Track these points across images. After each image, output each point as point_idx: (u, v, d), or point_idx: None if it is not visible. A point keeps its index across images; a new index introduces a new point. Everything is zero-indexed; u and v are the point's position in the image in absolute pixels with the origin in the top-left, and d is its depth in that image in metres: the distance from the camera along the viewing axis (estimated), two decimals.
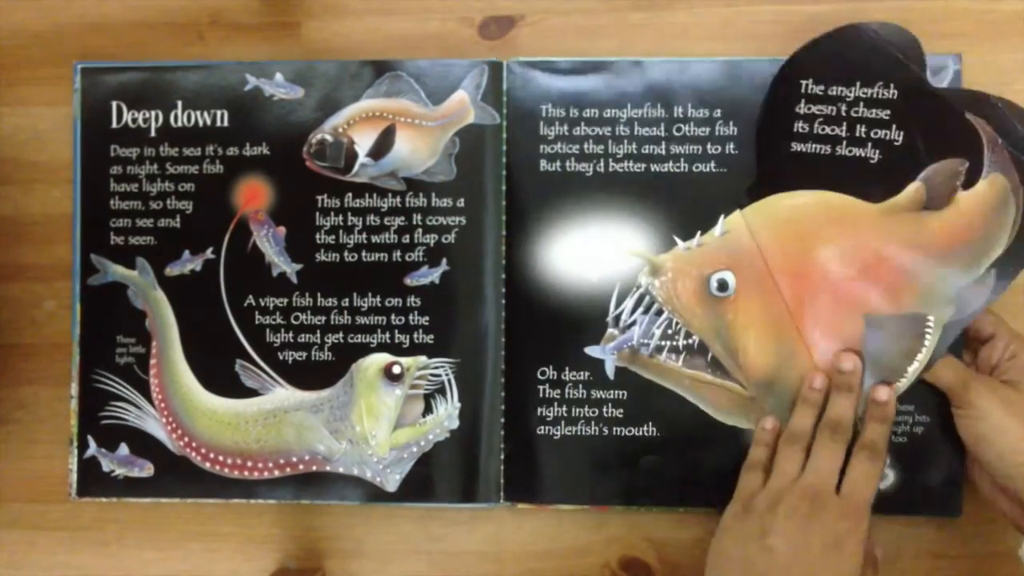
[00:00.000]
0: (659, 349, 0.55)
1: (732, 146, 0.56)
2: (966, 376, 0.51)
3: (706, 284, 0.54)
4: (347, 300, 0.58)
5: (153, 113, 0.59)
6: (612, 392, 0.56)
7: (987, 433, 0.50)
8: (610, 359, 0.56)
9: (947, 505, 0.55)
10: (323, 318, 0.58)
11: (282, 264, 0.58)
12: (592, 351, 0.56)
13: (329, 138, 0.57)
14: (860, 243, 0.53)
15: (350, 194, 0.58)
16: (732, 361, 0.54)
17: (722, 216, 0.55)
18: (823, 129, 0.54)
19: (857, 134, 0.53)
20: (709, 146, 0.56)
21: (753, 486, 0.51)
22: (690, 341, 0.55)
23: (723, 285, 0.54)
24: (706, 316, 0.54)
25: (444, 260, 0.57)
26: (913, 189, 0.53)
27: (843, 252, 0.53)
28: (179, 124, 0.59)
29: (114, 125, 0.59)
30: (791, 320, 0.54)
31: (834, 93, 0.53)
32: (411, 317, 0.57)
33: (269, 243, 0.58)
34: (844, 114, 0.53)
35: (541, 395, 0.56)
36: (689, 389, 0.55)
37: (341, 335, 0.58)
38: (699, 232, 0.55)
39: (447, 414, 0.57)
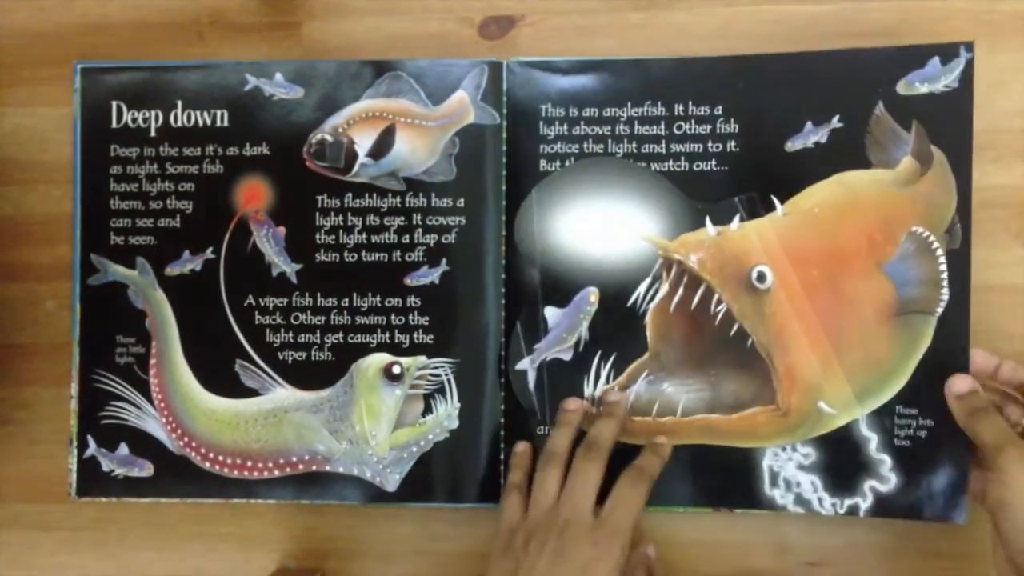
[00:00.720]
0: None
1: (733, 144, 0.56)
2: (1004, 438, 0.49)
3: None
4: (347, 300, 0.58)
5: (153, 113, 0.59)
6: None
7: (1011, 501, 0.47)
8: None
9: (952, 510, 0.53)
10: (323, 318, 0.58)
11: (282, 264, 0.58)
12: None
13: (329, 138, 0.57)
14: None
15: (350, 194, 0.58)
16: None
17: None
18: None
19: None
20: (710, 144, 0.56)
21: (513, 515, 0.52)
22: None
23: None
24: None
25: (444, 260, 0.57)
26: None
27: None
28: (179, 124, 0.59)
29: (114, 125, 0.59)
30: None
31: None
32: (411, 317, 0.57)
33: (269, 243, 0.58)
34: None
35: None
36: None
37: (341, 335, 0.58)
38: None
39: (447, 414, 0.57)
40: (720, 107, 0.56)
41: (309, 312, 0.58)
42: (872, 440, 0.54)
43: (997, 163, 0.57)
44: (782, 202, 0.55)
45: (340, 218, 0.57)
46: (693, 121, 0.56)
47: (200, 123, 0.58)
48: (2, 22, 0.61)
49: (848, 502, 0.54)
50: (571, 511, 0.50)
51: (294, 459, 0.57)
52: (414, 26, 0.59)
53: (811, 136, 0.55)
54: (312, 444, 0.57)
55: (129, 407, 0.58)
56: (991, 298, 0.56)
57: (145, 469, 0.58)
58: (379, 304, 0.57)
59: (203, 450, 0.58)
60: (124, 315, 0.58)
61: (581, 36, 0.59)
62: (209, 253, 0.58)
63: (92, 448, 0.58)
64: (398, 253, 0.57)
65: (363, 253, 0.57)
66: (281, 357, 0.58)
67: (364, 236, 0.57)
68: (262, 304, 0.58)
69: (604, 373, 0.56)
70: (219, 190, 0.58)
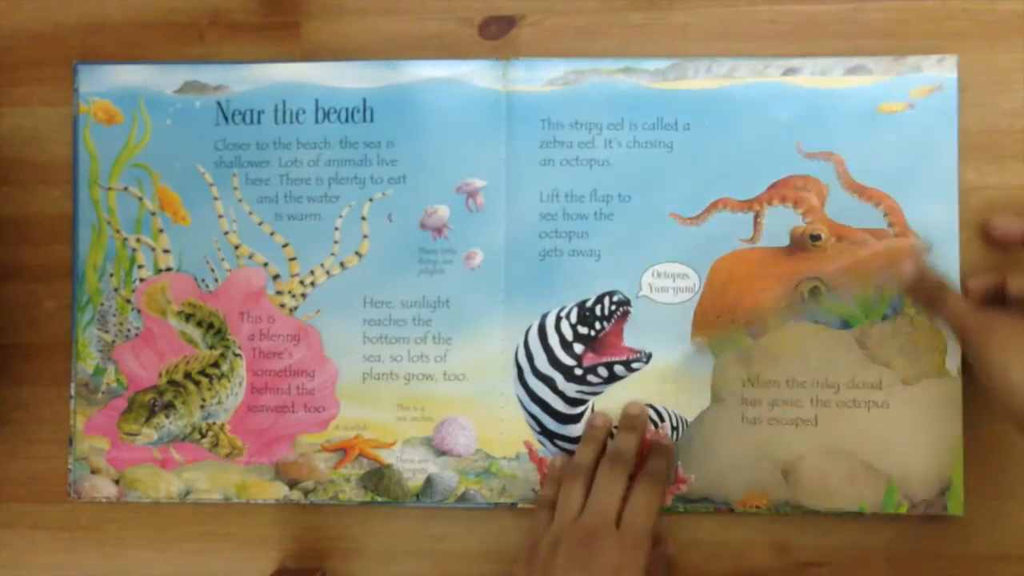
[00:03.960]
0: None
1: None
2: (960, 319, 0.51)
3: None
4: None
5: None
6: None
7: (987, 369, 0.49)
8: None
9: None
10: None
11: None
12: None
13: None
14: None
15: None
16: None
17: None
18: None
19: None
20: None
21: (540, 527, 0.52)
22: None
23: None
24: None
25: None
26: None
27: None
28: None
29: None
30: None
31: None
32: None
33: None
34: None
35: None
36: None
37: None
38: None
39: None
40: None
41: None
42: None
43: (997, 163, 0.57)
44: None
45: None
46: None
47: None
48: (2, 22, 0.61)
49: None
50: (595, 519, 0.50)
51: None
52: (414, 26, 0.59)
53: None
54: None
55: None
56: None
57: None
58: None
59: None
60: None
61: (581, 36, 0.59)
62: None
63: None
64: None
65: None
66: None
67: None
68: None
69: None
70: None
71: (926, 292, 0.53)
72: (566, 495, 0.52)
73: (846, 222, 0.56)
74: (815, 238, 0.56)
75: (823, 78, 0.56)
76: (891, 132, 0.56)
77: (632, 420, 0.55)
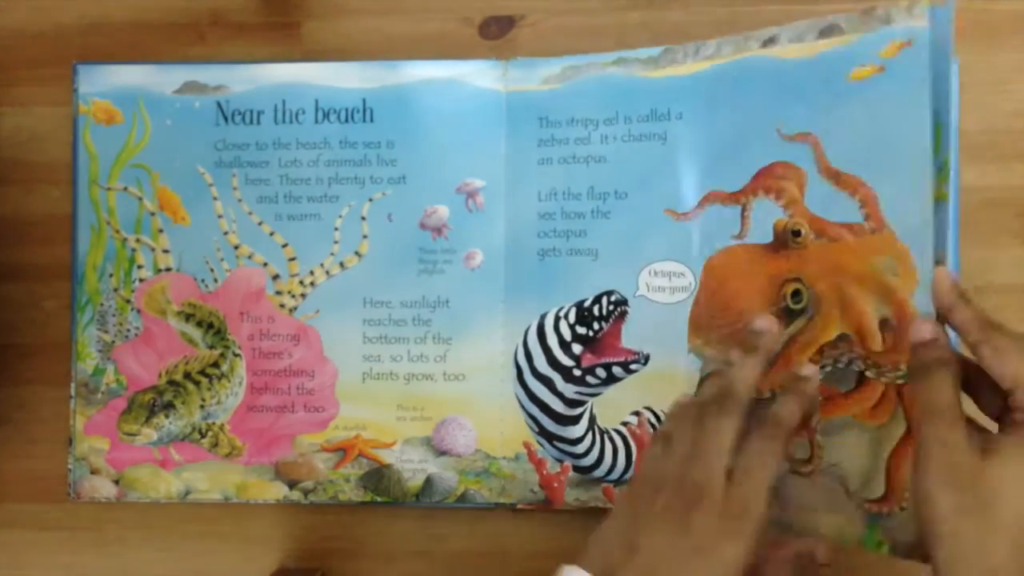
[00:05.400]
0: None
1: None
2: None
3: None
4: None
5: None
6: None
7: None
8: None
9: None
10: None
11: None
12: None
13: None
14: None
15: None
16: None
17: None
18: None
19: None
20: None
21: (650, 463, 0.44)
22: None
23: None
24: None
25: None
26: None
27: None
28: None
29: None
30: None
31: None
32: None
33: None
34: None
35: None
36: None
37: None
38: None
39: None
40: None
41: None
42: None
43: (997, 163, 0.57)
44: None
45: None
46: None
47: None
48: (2, 22, 0.61)
49: None
50: (701, 476, 0.41)
51: None
52: (414, 26, 0.59)
53: None
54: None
55: None
56: (991, 298, 0.56)
57: None
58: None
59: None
60: None
61: (581, 36, 0.59)
62: None
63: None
64: None
65: None
66: None
67: None
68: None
69: None
70: None
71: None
72: (713, 430, 0.43)
73: (824, 213, 0.52)
74: (796, 233, 0.53)
75: (799, 45, 0.53)
76: (861, 104, 0.50)
77: (758, 338, 0.46)
